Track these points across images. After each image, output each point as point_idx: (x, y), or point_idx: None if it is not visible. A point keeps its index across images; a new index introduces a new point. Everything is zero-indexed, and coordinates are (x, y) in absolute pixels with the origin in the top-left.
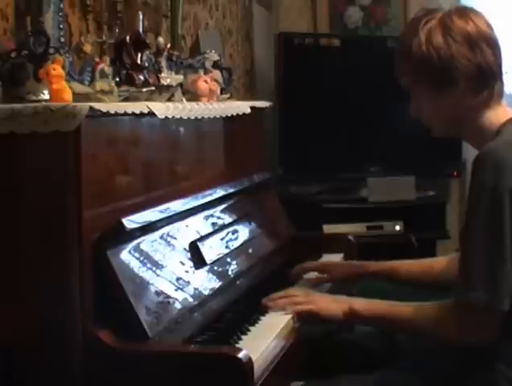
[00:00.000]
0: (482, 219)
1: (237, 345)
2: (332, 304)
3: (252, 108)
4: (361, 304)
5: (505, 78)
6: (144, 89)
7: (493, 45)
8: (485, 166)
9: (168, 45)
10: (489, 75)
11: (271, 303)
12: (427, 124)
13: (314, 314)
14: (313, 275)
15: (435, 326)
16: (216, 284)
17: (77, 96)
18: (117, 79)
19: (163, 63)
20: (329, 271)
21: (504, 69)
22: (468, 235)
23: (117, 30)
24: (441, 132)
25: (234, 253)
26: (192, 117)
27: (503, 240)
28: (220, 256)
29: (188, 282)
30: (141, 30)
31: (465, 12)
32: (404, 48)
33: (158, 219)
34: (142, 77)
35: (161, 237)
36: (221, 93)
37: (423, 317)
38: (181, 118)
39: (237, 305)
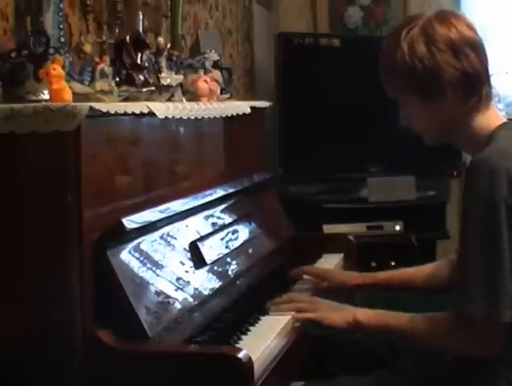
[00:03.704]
0: (478, 228)
1: (237, 345)
2: (335, 313)
3: (252, 108)
4: (364, 315)
5: (505, 78)
6: (144, 89)
7: (477, 48)
8: (479, 174)
9: (168, 45)
10: (477, 80)
11: (274, 308)
12: (418, 133)
13: (316, 323)
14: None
15: (438, 340)
16: (216, 284)
17: (77, 96)
18: (117, 79)
19: (163, 63)
20: (329, 280)
21: (504, 69)
22: (464, 245)
23: (117, 30)
24: (433, 140)
25: (234, 253)
26: (192, 117)
27: (501, 250)
28: (220, 256)
29: (188, 282)
30: (141, 30)
31: (446, 17)
32: (388, 59)
33: (158, 219)
34: (142, 77)
35: (161, 237)
36: (221, 93)
37: (425, 330)
38: (181, 118)
39: (237, 305)
